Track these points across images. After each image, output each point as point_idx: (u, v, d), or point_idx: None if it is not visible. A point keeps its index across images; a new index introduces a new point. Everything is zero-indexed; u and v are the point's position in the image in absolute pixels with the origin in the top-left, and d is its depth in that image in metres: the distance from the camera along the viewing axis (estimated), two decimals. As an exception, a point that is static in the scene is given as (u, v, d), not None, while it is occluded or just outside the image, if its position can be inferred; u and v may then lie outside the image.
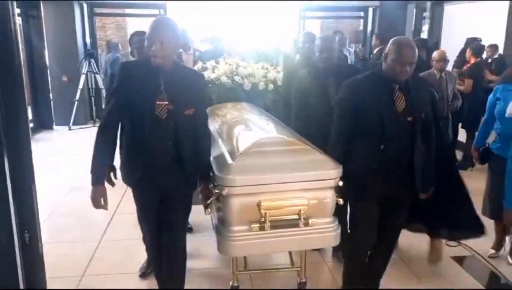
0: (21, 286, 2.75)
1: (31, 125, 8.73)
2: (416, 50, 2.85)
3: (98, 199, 2.75)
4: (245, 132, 3.18)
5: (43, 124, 9.73)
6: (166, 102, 2.69)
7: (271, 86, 4.38)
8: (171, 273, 2.99)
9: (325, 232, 2.84)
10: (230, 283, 3.30)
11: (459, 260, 4.01)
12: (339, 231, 2.88)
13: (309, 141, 3.07)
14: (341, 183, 2.80)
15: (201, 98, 2.95)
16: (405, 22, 10.23)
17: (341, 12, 12.05)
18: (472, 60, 6.69)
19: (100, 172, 2.78)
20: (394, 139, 2.87)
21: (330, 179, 2.79)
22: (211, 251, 3.61)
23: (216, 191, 2.79)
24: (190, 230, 4.21)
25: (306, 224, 2.77)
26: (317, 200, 2.79)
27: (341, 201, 2.83)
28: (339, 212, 2.94)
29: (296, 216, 2.77)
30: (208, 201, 2.86)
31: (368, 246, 3.11)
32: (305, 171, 2.78)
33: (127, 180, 2.90)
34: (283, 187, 2.77)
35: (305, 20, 10.51)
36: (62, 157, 7.32)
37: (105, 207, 2.78)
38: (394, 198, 3.01)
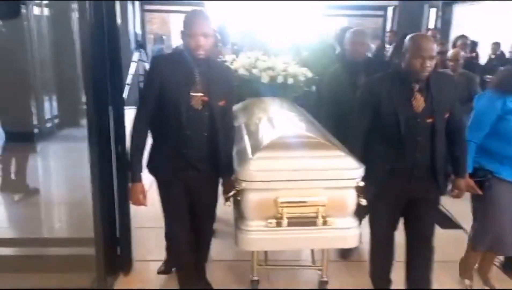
0: (117, 234, 2.92)
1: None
2: (435, 45, 2.37)
3: (138, 196, 2.42)
4: (268, 127, 2.72)
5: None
6: (201, 94, 2.33)
7: (290, 80, 3.85)
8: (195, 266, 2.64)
9: (344, 232, 2.39)
10: (250, 276, 2.84)
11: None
12: (359, 231, 2.42)
13: (337, 137, 2.61)
14: (362, 184, 2.33)
15: (231, 91, 2.57)
16: (421, 21, 9.55)
17: (363, 11, 11.39)
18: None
19: (138, 169, 2.42)
20: (412, 141, 2.39)
21: (351, 179, 2.32)
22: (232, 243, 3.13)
23: (236, 185, 2.37)
24: None
25: (325, 223, 2.32)
26: (337, 199, 2.32)
27: (363, 202, 2.37)
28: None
29: (314, 214, 2.32)
30: (229, 195, 2.43)
31: (388, 247, 2.64)
32: (326, 169, 2.31)
33: (157, 171, 2.50)
34: (302, 185, 2.31)
35: (329, 17, 9.95)
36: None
37: (144, 203, 2.44)
38: (417, 199, 2.51)
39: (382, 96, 2.41)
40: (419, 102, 2.38)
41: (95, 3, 2.59)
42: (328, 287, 2.85)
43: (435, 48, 2.35)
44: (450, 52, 4.68)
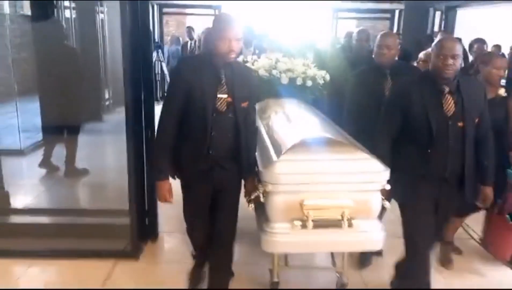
0: (146, 207, 3.17)
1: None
2: (460, 45, 2.23)
3: (164, 194, 2.30)
4: (292, 129, 2.57)
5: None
6: (226, 95, 2.21)
7: (309, 83, 3.70)
8: (216, 270, 2.49)
9: (369, 235, 2.24)
10: (270, 278, 2.66)
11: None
12: (384, 234, 2.27)
13: (361, 139, 2.44)
14: (388, 187, 2.19)
15: (253, 92, 2.42)
16: (427, 24, 9.33)
17: (371, 14, 11.18)
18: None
19: (164, 167, 2.29)
20: (443, 145, 2.23)
21: (377, 182, 2.18)
22: (252, 244, 2.97)
23: (260, 187, 2.23)
24: None
25: (350, 226, 2.17)
26: (362, 202, 2.18)
27: (387, 205, 2.22)
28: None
29: (339, 217, 2.18)
30: (252, 197, 2.30)
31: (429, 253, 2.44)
32: (351, 172, 2.16)
33: (181, 171, 2.38)
34: (327, 187, 2.18)
35: (338, 20, 9.76)
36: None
37: (170, 200, 2.32)
38: (443, 204, 2.36)
39: (413, 99, 2.27)
40: (449, 104, 2.23)
41: (131, 3, 2.79)
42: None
43: (458, 47, 2.21)
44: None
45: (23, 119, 5.50)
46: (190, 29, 9.62)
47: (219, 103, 2.21)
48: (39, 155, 4.59)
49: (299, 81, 3.59)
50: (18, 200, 3.66)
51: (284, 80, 3.56)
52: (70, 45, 4.66)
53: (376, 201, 2.21)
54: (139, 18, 2.88)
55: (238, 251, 2.97)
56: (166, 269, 2.96)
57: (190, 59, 2.51)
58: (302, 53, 4.28)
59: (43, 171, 4.49)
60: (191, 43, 9.41)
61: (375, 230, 2.25)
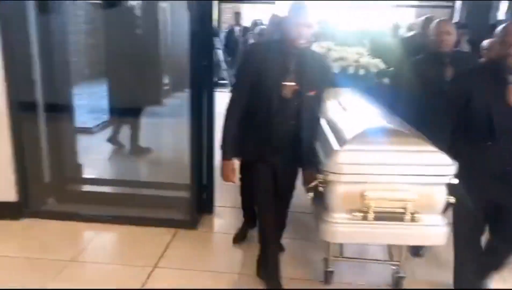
0: (204, 181, 3.37)
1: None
2: None
3: (228, 173, 2.34)
4: (354, 119, 2.49)
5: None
6: (294, 83, 2.18)
7: (362, 71, 3.58)
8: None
9: (433, 230, 2.14)
10: (324, 267, 2.59)
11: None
12: (447, 229, 2.16)
13: (421, 131, 2.31)
14: (455, 181, 2.07)
15: (324, 81, 2.38)
16: (490, 13, 8.75)
17: (431, 2, 10.65)
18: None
19: (229, 147, 2.31)
20: (507, 139, 2.07)
21: (444, 175, 2.07)
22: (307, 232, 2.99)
23: (320, 176, 2.18)
24: None
25: (413, 219, 2.09)
26: (426, 196, 2.08)
27: (452, 200, 2.11)
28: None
29: (402, 210, 2.10)
30: (311, 185, 2.25)
31: (475, 249, 2.32)
32: (416, 164, 2.06)
33: (244, 154, 2.41)
34: (390, 179, 2.09)
35: (397, 8, 9.40)
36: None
37: (234, 180, 2.38)
38: (501, 205, 2.19)
39: (474, 86, 2.12)
40: None
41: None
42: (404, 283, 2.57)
43: None
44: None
45: (90, 101, 5.79)
46: (237, 15, 9.56)
47: (285, 91, 2.19)
48: (106, 133, 4.87)
49: (351, 70, 3.49)
50: (89, 172, 3.93)
51: (336, 69, 3.47)
52: (139, 32, 4.81)
53: (441, 195, 2.10)
54: (205, 13, 3.06)
55: (292, 240, 3.00)
56: (220, 238, 3.16)
57: (260, 45, 2.50)
58: (358, 41, 4.14)
59: (110, 147, 4.74)
60: (237, 29, 9.34)
61: (439, 225, 2.14)
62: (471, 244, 2.29)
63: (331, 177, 2.11)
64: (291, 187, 2.51)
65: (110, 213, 3.26)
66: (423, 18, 4.31)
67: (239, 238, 3.03)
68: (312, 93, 2.24)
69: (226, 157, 2.32)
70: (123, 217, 3.22)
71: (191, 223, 3.18)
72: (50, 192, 3.48)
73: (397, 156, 2.09)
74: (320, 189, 2.18)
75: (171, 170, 4.00)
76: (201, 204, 3.30)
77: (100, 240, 3.06)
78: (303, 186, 2.39)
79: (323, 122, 2.59)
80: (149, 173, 4.41)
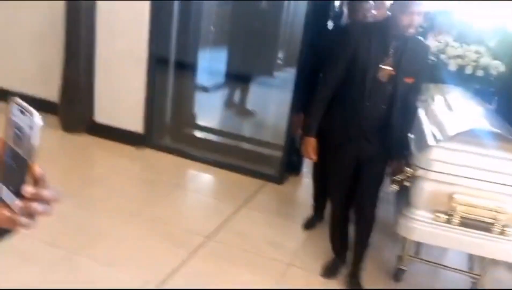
0: (297, 146, 3.27)
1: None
2: None
3: (308, 149, 2.26)
4: (455, 117, 2.28)
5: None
6: (390, 68, 2.04)
7: (480, 72, 3.18)
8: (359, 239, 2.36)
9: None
10: (396, 265, 2.42)
11: None
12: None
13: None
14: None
15: (423, 70, 2.20)
16: None
17: None
18: None
19: (314, 125, 2.24)
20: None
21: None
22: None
23: (409, 169, 2.05)
24: None
25: (502, 233, 1.88)
26: (522, 210, 1.86)
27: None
28: None
29: (491, 220, 1.90)
30: (397, 177, 2.12)
31: None
32: (515, 174, 1.85)
33: (330, 134, 2.27)
34: (483, 186, 1.90)
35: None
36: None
37: (313, 157, 2.29)
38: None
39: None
40: None
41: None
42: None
43: None
44: None
45: (210, 63, 6.19)
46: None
47: (381, 74, 2.06)
48: (219, 93, 5.25)
49: (468, 70, 3.14)
50: (200, 121, 4.35)
51: (452, 66, 3.15)
52: (265, 7, 4.99)
53: (541, 213, 1.85)
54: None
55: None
56: (303, 196, 3.35)
57: (362, 25, 2.33)
58: (478, 40, 3.69)
59: (221, 104, 5.12)
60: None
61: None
62: None
63: (419, 172, 1.98)
64: (377, 178, 2.28)
65: (212, 157, 3.63)
66: None
67: (308, 226, 2.88)
68: (409, 81, 2.08)
69: (310, 133, 2.27)
70: (222, 163, 3.56)
71: (278, 179, 3.43)
72: (168, 131, 3.97)
73: (498, 163, 1.88)
74: (407, 183, 2.05)
75: (269, 131, 4.36)
76: (290, 165, 3.52)
77: (201, 177, 3.59)
78: (389, 177, 2.25)
79: (421, 114, 2.41)
80: (250, 130, 4.75)
